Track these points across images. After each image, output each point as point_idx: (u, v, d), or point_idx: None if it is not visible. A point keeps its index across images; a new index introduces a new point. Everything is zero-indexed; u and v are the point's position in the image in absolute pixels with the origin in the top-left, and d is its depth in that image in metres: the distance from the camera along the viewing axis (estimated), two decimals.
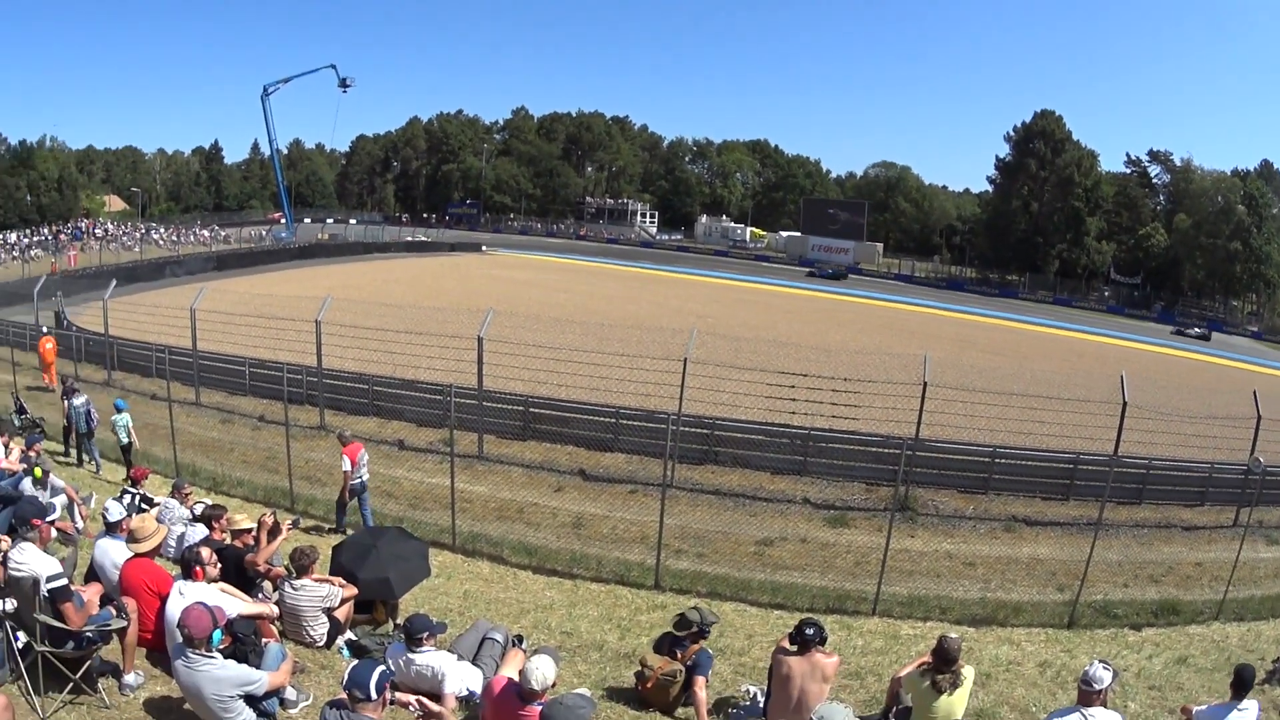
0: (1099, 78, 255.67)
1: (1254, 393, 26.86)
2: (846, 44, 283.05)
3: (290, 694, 9.71)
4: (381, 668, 7.66)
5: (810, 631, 10.51)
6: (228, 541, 13.15)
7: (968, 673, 10.01)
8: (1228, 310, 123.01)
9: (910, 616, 18.78)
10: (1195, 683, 14.40)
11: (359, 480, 21.47)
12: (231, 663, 8.67)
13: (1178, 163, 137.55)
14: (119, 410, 25.17)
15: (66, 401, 25.91)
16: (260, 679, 8.66)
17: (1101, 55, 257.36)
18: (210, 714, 8.51)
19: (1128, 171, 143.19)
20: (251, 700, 8.63)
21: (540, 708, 7.68)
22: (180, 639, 8.50)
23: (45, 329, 39.47)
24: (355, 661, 8.89)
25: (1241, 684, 9.77)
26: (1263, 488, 25.45)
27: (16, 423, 24.82)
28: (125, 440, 25.05)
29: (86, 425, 25.40)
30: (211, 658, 8.46)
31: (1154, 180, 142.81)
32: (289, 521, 14.27)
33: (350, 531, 20.80)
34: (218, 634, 8.58)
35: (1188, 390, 48.21)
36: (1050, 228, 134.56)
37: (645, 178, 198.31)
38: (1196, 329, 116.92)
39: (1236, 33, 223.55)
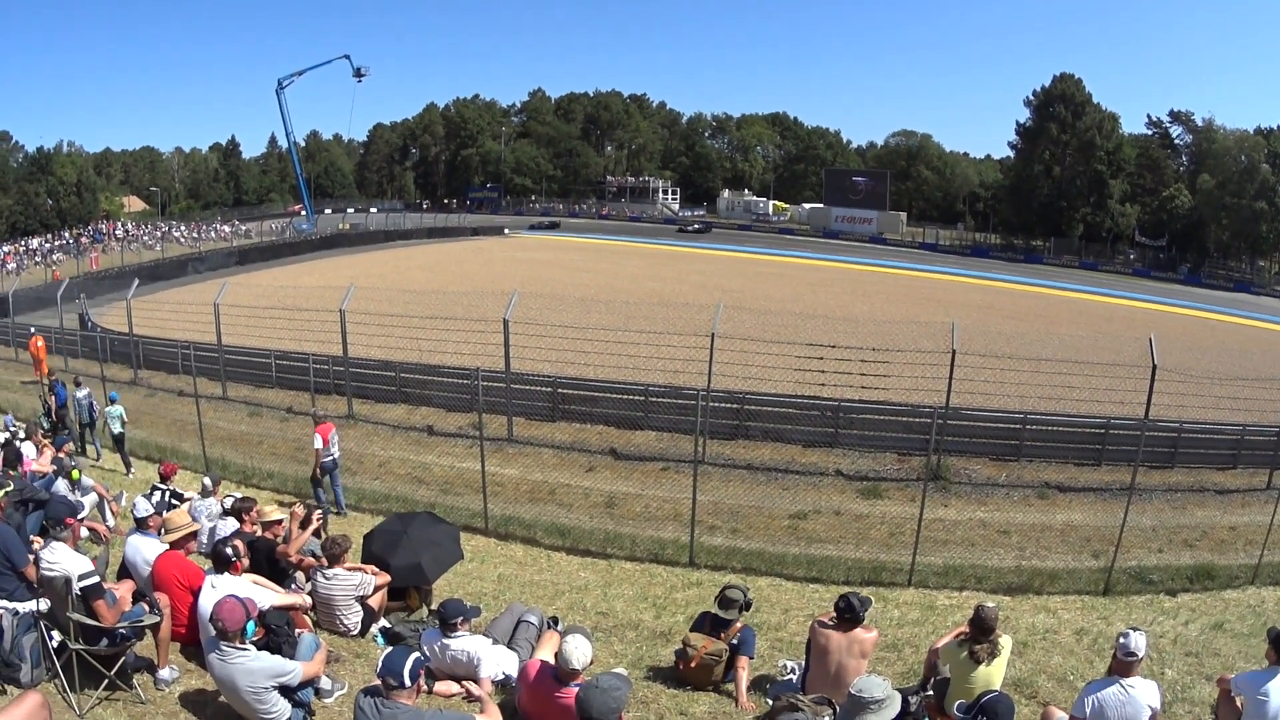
0: (1118, 39, 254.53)
1: None
2: (863, 13, 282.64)
3: (325, 683, 9.71)
4: (415, 654, 7.59)
5: (852, 605, 10.46)
6: (258, 534, 13.19)
7: (1005, 642, 9.89)
8: (1255, 270, 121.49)
9: (946, 586, 18.80)
10: (1232, 648, 14.21)
11: (330, 458, 22.06)
12: (265, 654, 8.65)
13: (1199, 122, 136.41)
14: (113, 402, 26.03)
15: (53, 396, 28.09)
16: (294, 669, 8.64)
17: (1120, 16, 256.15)
18: (245, 706, 8.50)
19: (1149, 133, 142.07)
20: (286, 691, 8.62)
21: (576, 689, 7.63)
22: (214, 632, 8.47)
23: (33, 329, 40.25)
24: (389, 649, 8.84)
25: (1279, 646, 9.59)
26: None
27: (45, 425, 25.23)
28: (119, 430, 25.70)
29: (89, 416, 26.86)
30: (245, 650, 8.44)
31: (1176, 141, 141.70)
32: (319, 512, 14.27)
33: (332, 508, 21.67)
34: (251, 626, 8.55)
35: (1218, 352, 47.88)
36: (1073, 192, 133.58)
37: (665, 155, 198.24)
38: (696, 225, 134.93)
39: None
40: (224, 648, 8.37)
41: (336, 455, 22.39)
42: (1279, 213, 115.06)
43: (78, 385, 27.87)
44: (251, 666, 8.40)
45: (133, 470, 25.41)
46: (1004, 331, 47.43)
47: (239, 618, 8.37)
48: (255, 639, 8.73)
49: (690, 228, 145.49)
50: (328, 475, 22.28)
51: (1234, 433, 29.60)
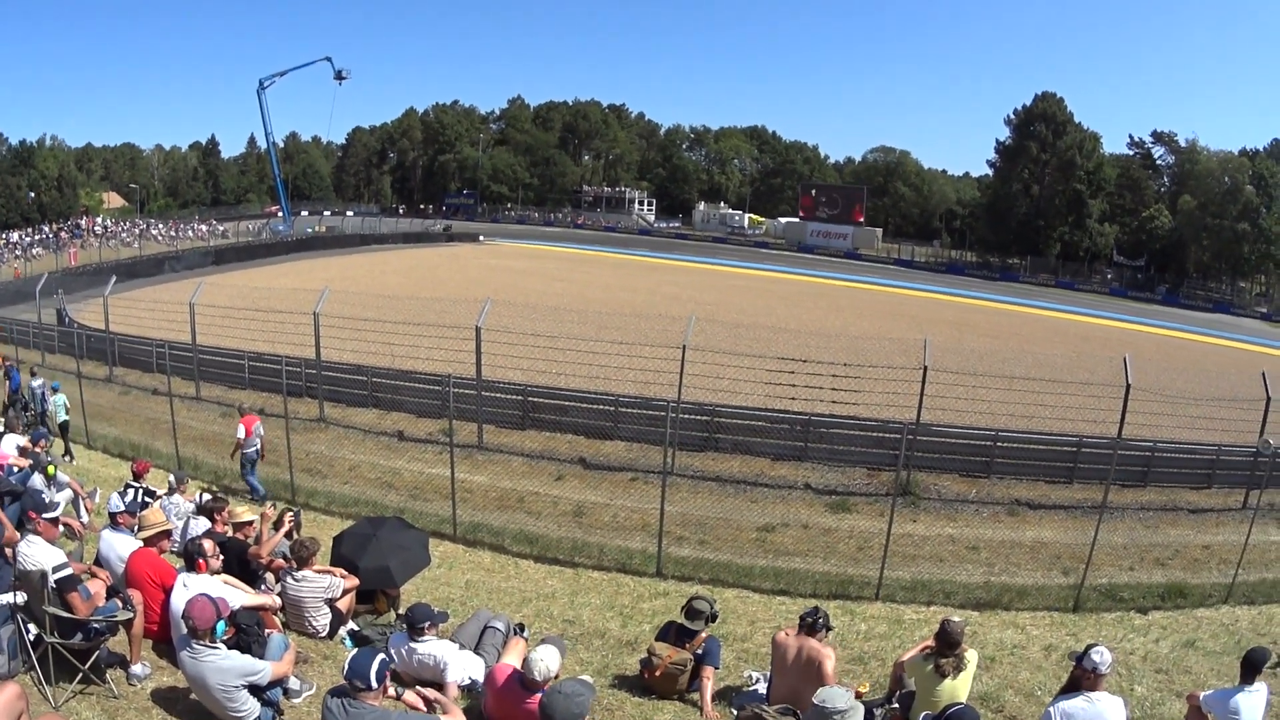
0: (1101, 59, 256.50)
1: (1263, 374, 26.75)
2: (844, 28, 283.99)
3: (294, 684, 9.78)
4: (381, 656, 7.69)
5: (816, 610, 10.70)
6: (229, 534, 13.20)
7: (971, 656, 10.00)
8: (1235, 291, 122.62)
9: (913, 601, 18.78)
10: (1204, 666, 14.25)
11: (253, 450, 23.11)
12: (235, 653, 8.73)
13: (1182, 144, 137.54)
14: (55, 391, 27.15)
15: (8, 381, 29.02)
16: (264, 669, 8.74)
17: (1104, 35, 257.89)
18: (216, 704, 8.59)
19: (1131, 153, 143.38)
20: (256, 690, 8.71)
21: (541, 695, 7.70)
22: (185, 630, 8.58)
23: None
24: (356, 650, 8.92)
25: (1251, 667, 9.60)
26: (1273, 470, 25.37)
27: (25, 418, 25.46)
28: (63, 418, 26.66)
29: (43, 405, 27.42)
30: (216, 648, 8.53)
31: (1158, 162, 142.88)
32: (290, 514, 14.30)
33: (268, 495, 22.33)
34: (221, 625, 8.65)
35: (1194, 372, 48.15)
36: (1051, 211, 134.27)
37: (642, 166, 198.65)
38: (442, 224, 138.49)
39: (1244, 9, 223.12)
40: (195, 646, 8.48)
41: (257, 447, 23.36)
42: (1262, 234, 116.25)
43: (33, 375, 28.58)
44: (222, 665, 8.50)
45: (74, 459, 25.59)
46: (977, 349, 47.68)
47: (209, 616, 8.47)
48: (225, 638, 8.82)
49: (438, 227, 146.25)
50: (249, 465, 23.31)
51: (1209, 452, 29.74)
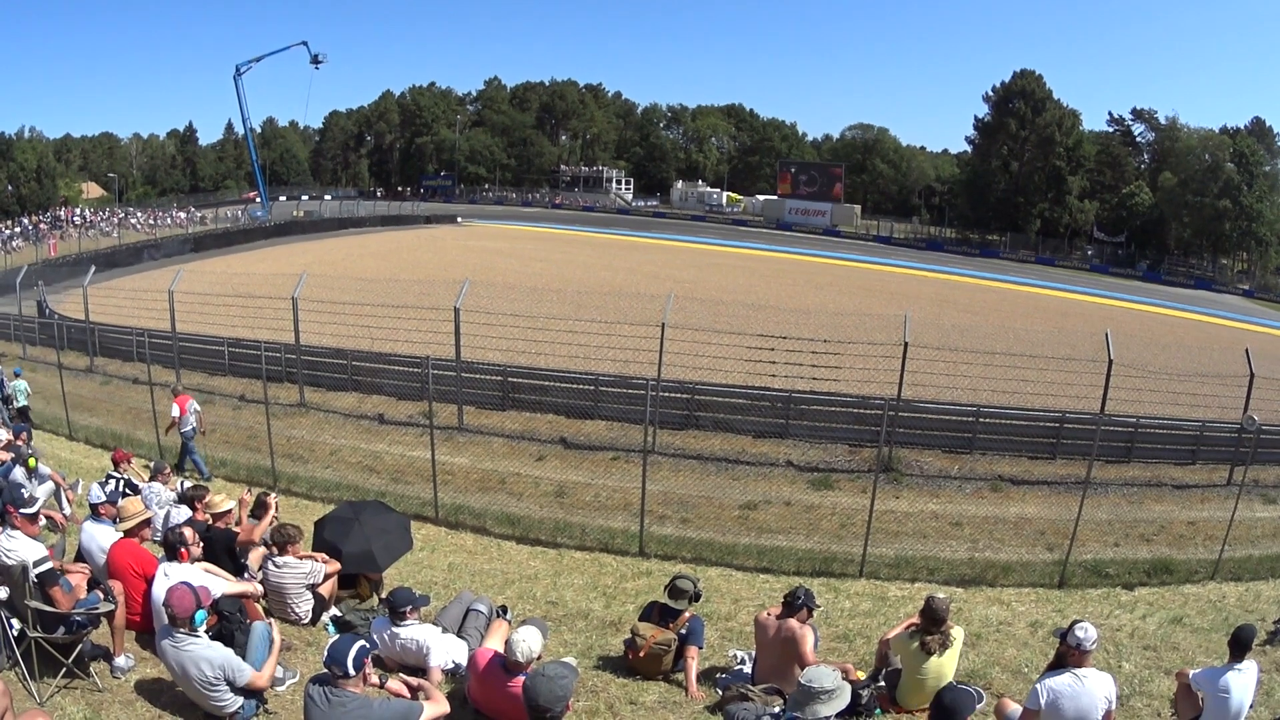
0: (1081, 36, 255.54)
1: (1246, 350, 26.75)
2: (822, 4, 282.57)
3: (278, 672, 9.72)
4: (360, 643, 7.66)
5: (794, 593, 10.69)
6: (210, 523, 13.13)
7: (957, 633, 10.01)
8: (1217, 268, 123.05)
9: (898, 578, 18.85)
10: (1192, 643, 14.16)
11: (189, 429, 23.36)
12: (218, 644, 8.70)
13: (1163, 121, 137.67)
14: (16, 376, 27.59)
15: None
16: (244, 671, 8.69)
17: (1084, 12, 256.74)
18: (197, 693, 8.58)
19: (1111, 130, 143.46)
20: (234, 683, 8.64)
21: (524, 678, 7.66)
22: (166, 619, 8.54)
23: None
24: (336, 637, 8.88)
25: (1239, 644, 9.47)
26: (1257, 446, 25.40)
27: (5, 413, 25.42)
28: (23, 403, 27.09)
29: (2, 392, 27.34)
30: (197, 637, 8.51)
31: (1138, 139, 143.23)
32: (274, 496, 14.16)
33: (199, 472, 22.99)
34: (202, 614, 8.60)
35: (1176, 348, 48.12)
36: (1031, 187, 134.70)
37: (620, 145, 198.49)
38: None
39: None
40: (176, 635, 8.47)
41: (194, 425, 23.61)
42: (1243, 211, 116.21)
43: None
44: (203, 654, 8.49)
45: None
46: (958, 325, 47.56)
47: (189, 605, 8.45)
48: (207, 627, 8.77)
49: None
50: (186, 444, 23.57)
51: (1193, 428, 29.63)
